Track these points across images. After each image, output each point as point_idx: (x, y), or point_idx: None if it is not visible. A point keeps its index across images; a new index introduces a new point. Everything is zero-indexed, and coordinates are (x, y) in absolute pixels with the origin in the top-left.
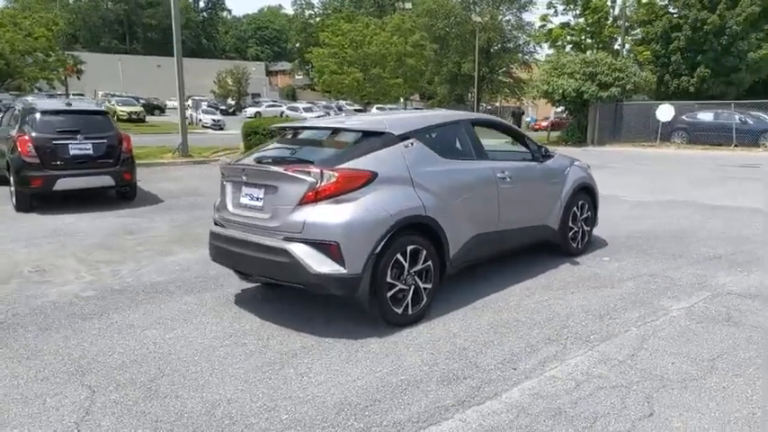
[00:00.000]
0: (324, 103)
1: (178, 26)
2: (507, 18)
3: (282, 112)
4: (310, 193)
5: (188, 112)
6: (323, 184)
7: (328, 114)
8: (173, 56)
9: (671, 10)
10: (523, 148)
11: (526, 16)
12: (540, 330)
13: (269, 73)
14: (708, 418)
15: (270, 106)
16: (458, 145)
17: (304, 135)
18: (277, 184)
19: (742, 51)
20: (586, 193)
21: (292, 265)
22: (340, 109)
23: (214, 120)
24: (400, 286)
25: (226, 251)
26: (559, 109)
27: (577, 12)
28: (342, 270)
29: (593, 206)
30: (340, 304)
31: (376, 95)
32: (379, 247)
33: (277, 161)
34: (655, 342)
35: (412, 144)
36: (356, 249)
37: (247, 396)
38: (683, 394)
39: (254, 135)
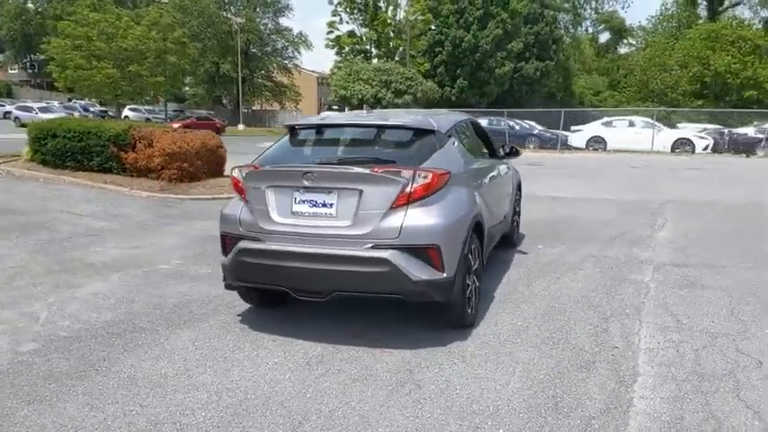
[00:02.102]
0: (57, 102)
1: None
2: (265, 21)
3: (8, 113)
4: (403, 195)
5: None
6: (415, 185)
7: (71, 115)
8: None
9: (432, 27)
10: (485, 149)
11: (285, 22)
12: (585, 312)
13: None
14: None
15: None
16: (473, 144)
17: (339, 133)
18: (362, 187)
19: (491, 67)
20: (519, 189)
21: (392, 274)
22: (86, 110)
23: None
24: (471, 286)
25: (273, 267)
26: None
27: (361, 21)
28: (442, 275)
29: (520, 200)
30: (366, 309)
31: (132, 95)
32: (466, 248)
33: (347, 162)
34: (676, 308)
35: (455, 143)
36: (452, 252)
37: (432, 423)
38: (756, 343)
39: (53, 139)
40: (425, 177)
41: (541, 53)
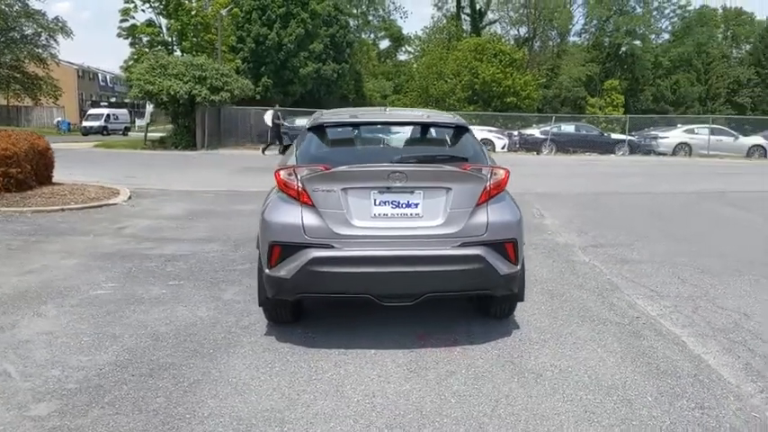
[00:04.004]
0: None
1: None
2: (9, 2)
3: None
4: (485, 192)
5: None
6: (492, 181)
7: None
8: None
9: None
10: None
11: (38, 5)
12: (579, 291)
13: None
14: None
15: None
16: None
17: (383, 131)
18: (450, 185)
19: (295, 67)
20: None
21: (485, 270)
22: None
23: None
24: None
25: (357, 275)
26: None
27: (160, 10)
28: (517, 267)
29: None
30: (407, 313)
31: None
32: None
33: (428, 161)
34: (641, 280)
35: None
36: (521, 244)
37: (590, 404)
38: (727, 300)
39: None
40: (496, 174)
41: (337, 56)
